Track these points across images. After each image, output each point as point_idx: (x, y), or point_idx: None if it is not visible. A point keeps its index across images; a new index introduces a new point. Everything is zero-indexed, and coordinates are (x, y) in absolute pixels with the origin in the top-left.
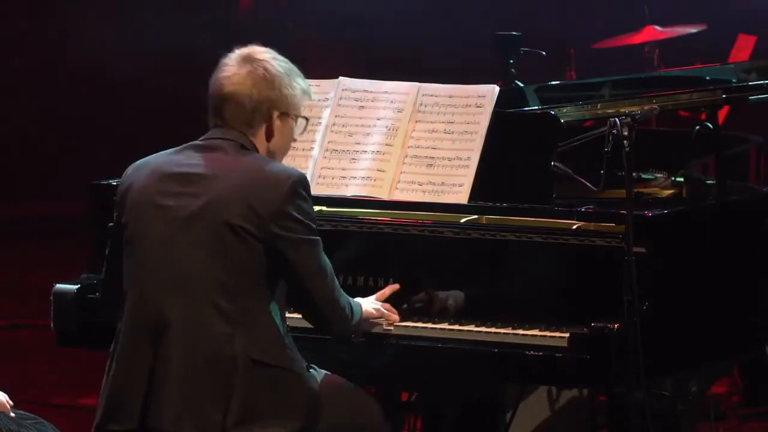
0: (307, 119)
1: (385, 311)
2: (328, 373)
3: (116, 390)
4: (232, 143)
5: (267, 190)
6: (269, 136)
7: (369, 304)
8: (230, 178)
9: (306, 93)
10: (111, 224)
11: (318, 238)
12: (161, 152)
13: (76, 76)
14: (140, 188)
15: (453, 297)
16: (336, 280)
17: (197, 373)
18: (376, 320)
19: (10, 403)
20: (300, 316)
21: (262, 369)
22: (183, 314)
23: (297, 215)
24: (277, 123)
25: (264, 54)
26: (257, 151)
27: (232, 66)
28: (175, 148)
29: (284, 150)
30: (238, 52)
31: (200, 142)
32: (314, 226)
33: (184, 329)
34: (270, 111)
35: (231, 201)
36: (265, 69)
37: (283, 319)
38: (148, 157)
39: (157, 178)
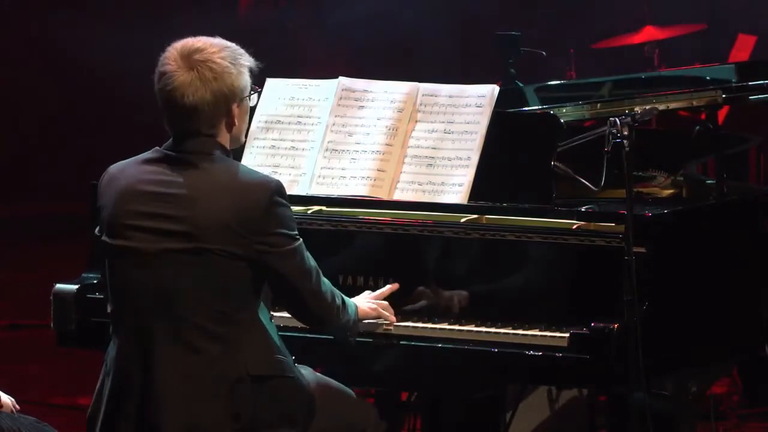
0: (257, 90)
1: (383, 311)
2: (319, 374)
3: (110, 409)
4: (201, 155)
5: (246, 209)
6: (230, 126)
7: (364, 302)
8: (209, 200)
9: (252, 67)
10: (96, 233)
11: (299, 240)
12: (132, 160)
13: (77, 77)
14: (115, 207)
15: (453, 297)
16: (322, 277)
17: (198, 399)
18: (373, 319)
19: (17, 407)
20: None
21: (261, 382)
22: (170, 340)
23: (278, 229)
24: (236, 111)
25: (204, 51)
26: (225, 147)
27: (177, 73)
28: (146, 157)
29: (244, 128)
30: (177, 53)
31: (170, 155)
32: (295, 231)
33: (172, 354)
34: (228, 105)
35: (213, 227)
36: (211, 69)
37: (271, 319)
38: (119, 167)
39: (131, 197)
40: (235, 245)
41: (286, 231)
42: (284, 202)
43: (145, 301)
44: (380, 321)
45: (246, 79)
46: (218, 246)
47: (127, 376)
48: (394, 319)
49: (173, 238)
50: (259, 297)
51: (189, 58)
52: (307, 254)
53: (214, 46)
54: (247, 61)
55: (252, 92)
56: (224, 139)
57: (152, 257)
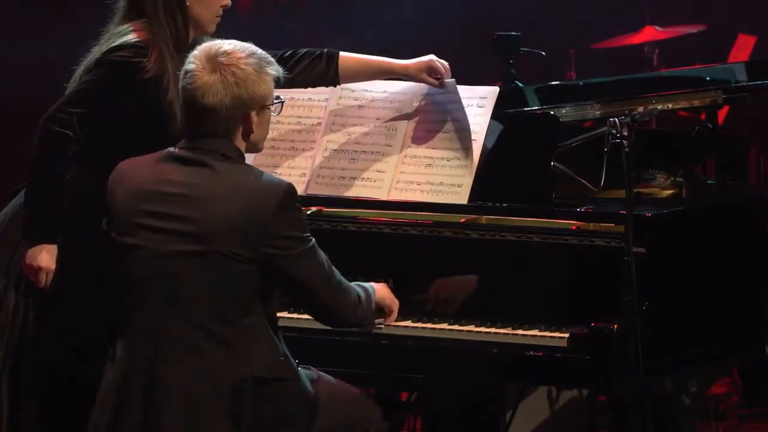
0: (281, 99)
1: (394, 306)
2: (324, 374)
3: (112, 409)
4: (214, 154)
5: (256, 211)
6: (247, 134)
7: (382, 288)
8: (219, 202)
9: (278, 76)
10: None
11: (312, 242)
12: (145, 158)
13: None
14: (126, 205)
15: (453, 297)
16: (337, 274)
17: (199, 401)
18: (388, 305)
19: None
20: (299, 316)
21: (264, 385)
22: (176, 341)
23: (289, 232)
24: (255, 119)
25: (231, 55)
26: (240, 152)
27: (200, 73)
28: (159, 156)
29: (264, 136)
30: (203, 54)
31: (184, 155)
32: (307, 233)
33: (177, 356)
34: (246, 112)
35: (223, 230)
36: (234, 74)
37: (276, 320)
38: (132, 165)
39: (141, 196)
40: (244, 248)
41: (297, 233)
42: (295, 204)
43: (153, 301)
44: (378, 322)
45: (268, 88)
46: (227, 248)
47: (132, 375)
48: (392, 319)
49: (182, 239)
50: (266, 301)
51: (214, 60)
52: (321, 254)
53: (241, 51)
54: (273, 70)
55: (275, 102)
56: (240, 143)
57: (161, 257)
